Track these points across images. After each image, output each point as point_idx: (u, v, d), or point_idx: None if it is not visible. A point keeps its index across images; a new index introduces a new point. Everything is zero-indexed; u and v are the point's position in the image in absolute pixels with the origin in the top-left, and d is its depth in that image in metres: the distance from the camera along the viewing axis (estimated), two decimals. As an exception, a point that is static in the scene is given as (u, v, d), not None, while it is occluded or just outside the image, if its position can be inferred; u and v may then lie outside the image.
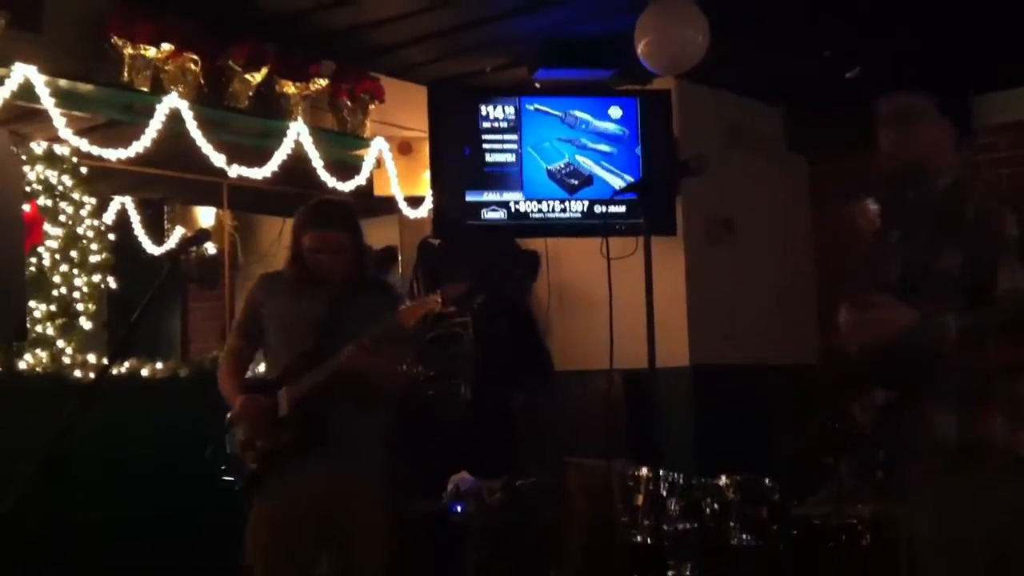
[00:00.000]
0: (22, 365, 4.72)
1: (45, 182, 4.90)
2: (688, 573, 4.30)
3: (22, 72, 4.68)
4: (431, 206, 6.27)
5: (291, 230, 3.65)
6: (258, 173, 5.62)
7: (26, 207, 4.66)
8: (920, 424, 2.73)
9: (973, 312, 2.63)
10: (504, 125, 6.19)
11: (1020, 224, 2.68)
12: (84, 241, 5.01)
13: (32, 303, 4.74)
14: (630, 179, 6.19)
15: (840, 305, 2.80)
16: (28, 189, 4.79)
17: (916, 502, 2.82)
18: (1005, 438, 2.67)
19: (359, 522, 3.53)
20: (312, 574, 3.59)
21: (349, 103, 6.16)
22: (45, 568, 4.28)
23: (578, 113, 6.28)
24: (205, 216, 6.91)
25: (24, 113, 4.84)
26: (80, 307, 4.94)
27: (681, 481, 4.51)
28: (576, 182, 6.23)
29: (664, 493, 4.45)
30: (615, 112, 6.32)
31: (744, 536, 4.35)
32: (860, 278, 3.00)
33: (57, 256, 4.89)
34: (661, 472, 4.38)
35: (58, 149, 4.95)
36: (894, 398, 2.80)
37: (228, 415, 3.64)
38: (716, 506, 4.44)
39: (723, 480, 4.45)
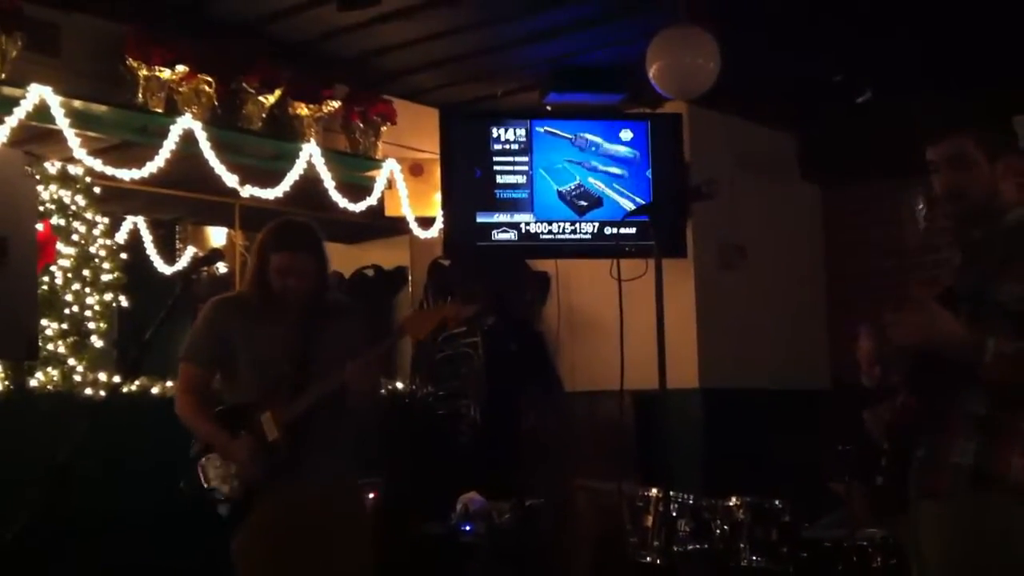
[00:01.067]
0: (33, 383, 4.74)
1: (59, 202, 4.93)
2: (698, 594, 4.28)
3: (37, 93, 4.72)
4: (442, 227, 6.29)
5: (255, 251, 3.54)
6: (270, 194, 5.65)
7: (39, 226, 4.68)
8: (939, 443, 2.73)
9: (1018, 342, 2.61)
10: (515, 147, 6.21)
11: None
12: (96, 260, 5.04)
13: (44, 321, 4.76)
14: (641, 201, 6.21)
15: (887, 309, 2.80)
16: (41, 209, 4.81)
17: (923, 520, 2.81)
18: (1018, 476, 2.65)
19: (343, 528, 3.49)
20: None
21: (361, 125, 6.20)
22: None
23: (589, 136, 6.30)
24: (217, 236, 6.93)
25: (39, 134, 4.87)
26: (92, 326, 4.96)
27: (691, 502, 4.49)
28: (586, 204, 6.24)
29: (674, 514, 4.43)
30: (626, 135, 6.34)
31: (754, 558, 4.33)
32: (910, 286, 2.99)
33: (69, 275, 4.92)
34: (671, 493, 4.37)
35: (72, 169, 4.98)
36: (912, 410, 2.79)
37: (195, 447, 3.54)
38: (726, 527, 4.42)
39: (733, 501, 4.43)
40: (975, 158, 2.83)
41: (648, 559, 4.43)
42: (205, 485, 3.50)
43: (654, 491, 4.47)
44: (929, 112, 3.78)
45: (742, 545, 4.36)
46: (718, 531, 4.43)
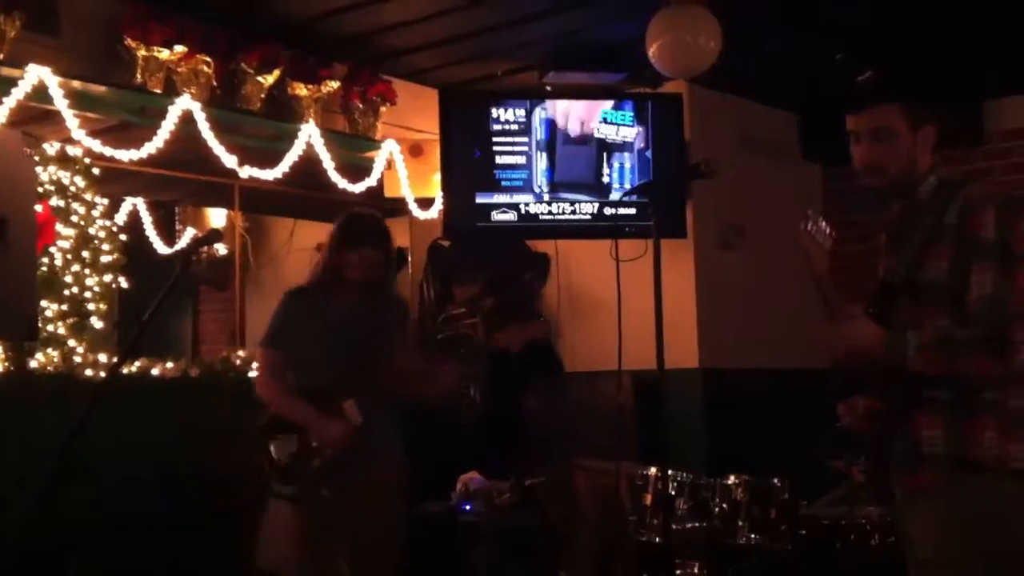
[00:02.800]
0: (33, 364, 4.74)
1: (57, 183, 4.92)
2: (696, 572, 4.29)
3: (36, 74, 4.70)
4: (441, 208, 6.28)
5: (333, 243, 3.78)
6: (269, 175, 5.64)
7: (38, 208, 4.67)
8: (908, 437, 2.72)
9: (937, 328, 2.63)
10: (515, 127, 6.20)
11: (1000, 227, 2.65)
12: (96, 241, 5.03)
13: (44, 303, 4.75)
14: (641, 181, 6.20)
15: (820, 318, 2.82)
16: (40, 190, 4.80)
17: (910, 516, 2.81)
18: (994, 452, 2.64)
19: (387, 513, 3.72)
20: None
21: (360, 105, 6.18)
22: (55, 564, 4.30)
23: (589, 116, 6.28)
24: (216, 218, 6.93)
25: (37, 114, 4.86)
26: (91, 307, 4.95)
27: (690, 480, 4.51)
28: (586, 184, 6.23)
29: (672, 492, 4.44)
30: (626, 115, 6.32)
31: (753, 536, 4.34)
32: (837, 289, 3.01)
33: (69, 256, 4.91)
34: (669, 472, 4.38)
35: (71, 150, 4.97)
36: (881, 407, 2.78)
37: (261, 420, 3.70)
38: (725, 506, 4.43)
39: (732, 480, 4.44)
40: (898, 130, 2.83)
41: (647, 537, 4.44)
42: (276, 458, 3.65)
43: (653, 470, 4.48)
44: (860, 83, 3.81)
45: (741, 523, 4.37)
46: (716, 509, 4.44)
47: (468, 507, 5.23)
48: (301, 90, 5.83)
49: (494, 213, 6.13)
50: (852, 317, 2.72)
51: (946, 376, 2.63)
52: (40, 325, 4.65)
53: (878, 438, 2.80)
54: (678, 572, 4.29)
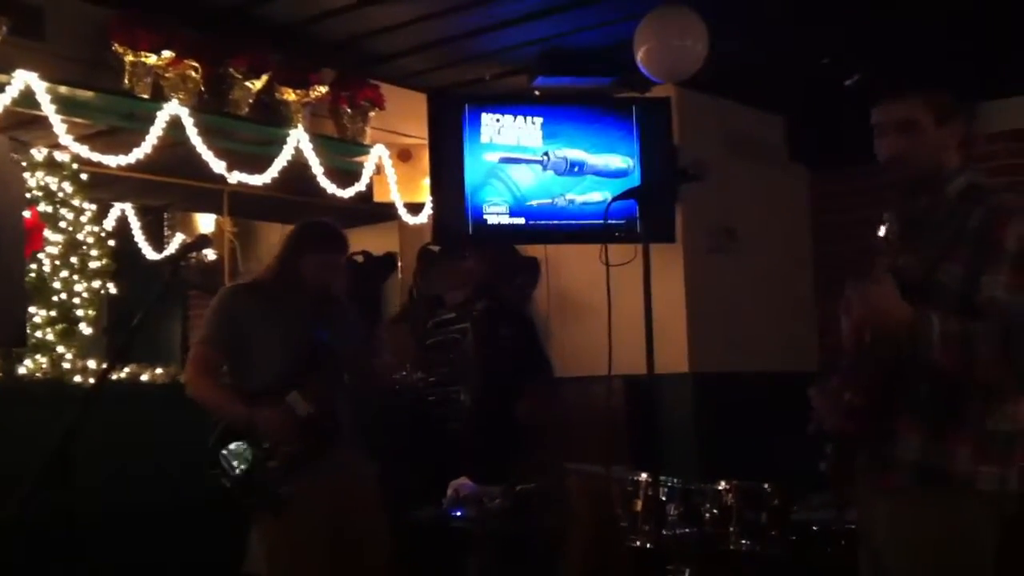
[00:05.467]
0: (22, 370, 4.73)
1: (46, 188, 4.91)
2: (687, 578, 4.29)
3: (23, 79, 4.69)
4: (431, 213, 6.28)
5: (292, 247, 3.73)
6: (258, 180, 5.64)
7: (27, 213, 4.66)
8: (883, 439, 2.69)
9: (960, 319, 2.57)
10: (504, 132, 6.18)
11: (1022, 239, 2.60)
12: (84, 247, 5.02)
13: (32, 309, 4.75)
14: (630, 186, 6.19)
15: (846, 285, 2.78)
16: (29, 195, 4.80)
17: (874, 515, 2.80)
18: (965, 469, 2.62)
19: (370, 507, 3.73)
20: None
21: (349, 110, 6.18)
22: (47, 571, 4.28)
23: (577, 120, 6.28)
24: (205, 223, 6.92)
25: (25, 120, 4.85)
26: (80, 313, 4.94)
27: (680, 486, 4.50)
28: (576, 188, 6.23)
29: (663, 498, 4.44)
30: (614, 119, 6.32)
31: (743, 541, 4.34)
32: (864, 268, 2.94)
33: (57, 262, 4.90)
34: (660, 477, 4.37)
35: (59, 156, 4.96)
36: (863, 405, 2.74)
37: (212, 438, 3.59)
38: (715, 511, 4.42)
39: (722, 485, 4.44)
40: (922, 122, 2.77)
41: (638, 543, 4.43)
42: (235, 473, 3.54)
43: (643, 476, 4.48)
44: (879, 75, 3.77)
45: (732, 529, 4.36)
46: (707, 515, 4.43)
47: (459, 513, 5.21)
48: (290, 95, 5.82)
49: (483, 218, 6.12)
50: (883, 282, 2.62)
51: (961, 375, 2.57)
52: (29, 331, 4.64)
53: (852, 434, 2.76)
54: (669, 578, 4.28)
